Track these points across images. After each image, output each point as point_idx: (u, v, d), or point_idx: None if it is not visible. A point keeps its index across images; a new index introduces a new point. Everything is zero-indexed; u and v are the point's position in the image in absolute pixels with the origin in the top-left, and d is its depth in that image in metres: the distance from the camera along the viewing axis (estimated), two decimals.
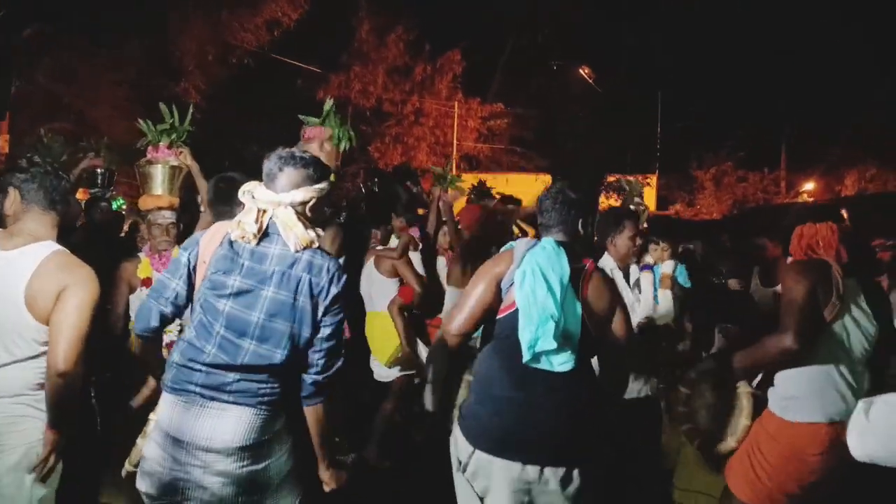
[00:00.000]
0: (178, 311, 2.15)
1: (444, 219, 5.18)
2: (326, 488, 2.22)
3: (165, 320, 2.14)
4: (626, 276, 3.65)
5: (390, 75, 18.84)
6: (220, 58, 14.98)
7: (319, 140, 3.99)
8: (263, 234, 2.07)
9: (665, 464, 3.81)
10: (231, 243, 2.07)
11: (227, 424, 2.00)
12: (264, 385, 2.04)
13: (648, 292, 3.63)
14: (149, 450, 2.09)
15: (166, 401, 2.08)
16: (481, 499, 2.29)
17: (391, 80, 18.87)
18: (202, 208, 3.52)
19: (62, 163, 4.85)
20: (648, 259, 3.79)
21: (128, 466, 2.23)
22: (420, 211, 5.70)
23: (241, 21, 14.74)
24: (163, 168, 3.50)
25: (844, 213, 2.65)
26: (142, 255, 3.36)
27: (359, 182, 10.04)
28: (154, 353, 2.34)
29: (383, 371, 4.42)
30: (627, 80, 17.97)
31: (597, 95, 20.65)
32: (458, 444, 2.31)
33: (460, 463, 2.30)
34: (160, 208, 3.40)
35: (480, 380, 2.34)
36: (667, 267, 3.76)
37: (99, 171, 5.08)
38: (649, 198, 20.57)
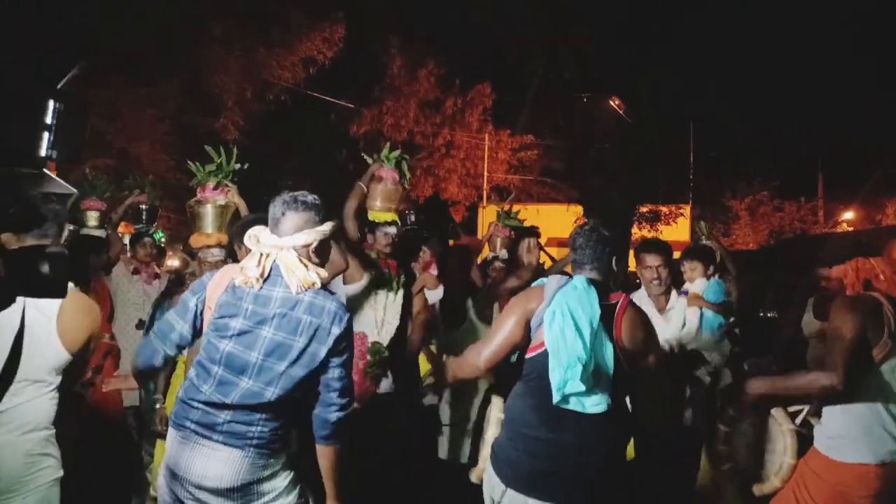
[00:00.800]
0: (180, 353, 2.25)
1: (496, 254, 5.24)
2: None
3: (167, 361, 2.24)
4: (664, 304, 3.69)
5: (422, 109, 19.13)
6: (257, 94, 15.41)
7: (391, 181, 4.10)
8: (266, 278, 2.12)
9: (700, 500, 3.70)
10: (235, 289, 2.13)
11: (216, 465, 2.04)
12: (254, 427, 2.07)
13: (677, 317, 3.60)
14: (159, 480, 2.18)
15: (169, 435, 2.16)
16: None
17: (422, 114, 19.15)
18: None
19: (106, 199, 5.03)
20: (687, 285, 3.79)
21: (151, 492, 2.30)
22: (451, 242, 5.74)
23: (278, 59, 15.19)
24: (211, 207, 3.66)
25: None
26: None
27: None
28: (146, 384, 2.42)
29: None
30: (657, 110, 17.93)
31: (627, 125, 20.63)
32: (491, 482, 2.30)
33: (493, 501, 2.29)
34: (209, 246, 3.57)
35: (512, 419, 2.33)
36: (696, 287, 3.74)
37: (143, 207, 5.25)
38: (683, 228, 20.35)
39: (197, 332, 2.21)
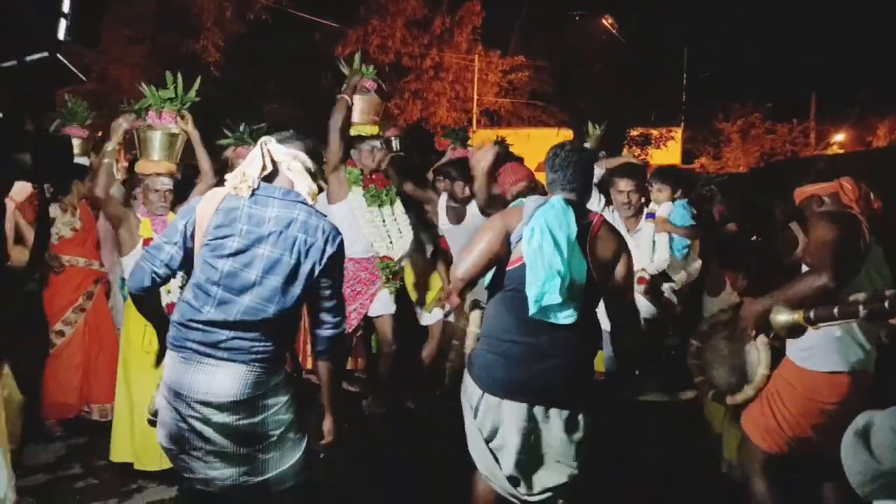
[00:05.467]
0: (171, 274, 2.25)
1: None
2: (327, 438, 2.36)
3: (157, 282, 2.23)
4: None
5: (409, 28, 18.49)
6: (237, 14, 14.81)
7: (375, 90, 4.03)
8: (258, 199, 2.16)
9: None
10: (227, 210, 2.16)
11: (221, 380, 2.10)
12: (257, 343, 2.13)
13: (646, 242, 3.68)
14: (158, 402, 2.23)
15: (168, 357, 2.20)
16: (488, 442, 2.42)
17: (410, 34, 18.53)
18: (204, 176, 3.60)
19: (88, 125, 4.86)
20: (653, 206, 3.82)
21: (147, 415, 2.36)
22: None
23: None
24: (162, 135, 3.50)
25: None
26: (139, 215, 3.50)
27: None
28: (149, 308, 2.40)
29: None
30: (652, 30, 17.45)
31: (620, 46, 20.14)
32: (469, 390, 2.45)
33: (471, 408, 2.44)
34: (158, 174, 3.47)
35: (489, 328, 2.46)
36: (663, 210, 3.79)
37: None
38: (674, 151, 20.20)
39: (187, 254, 2.23)
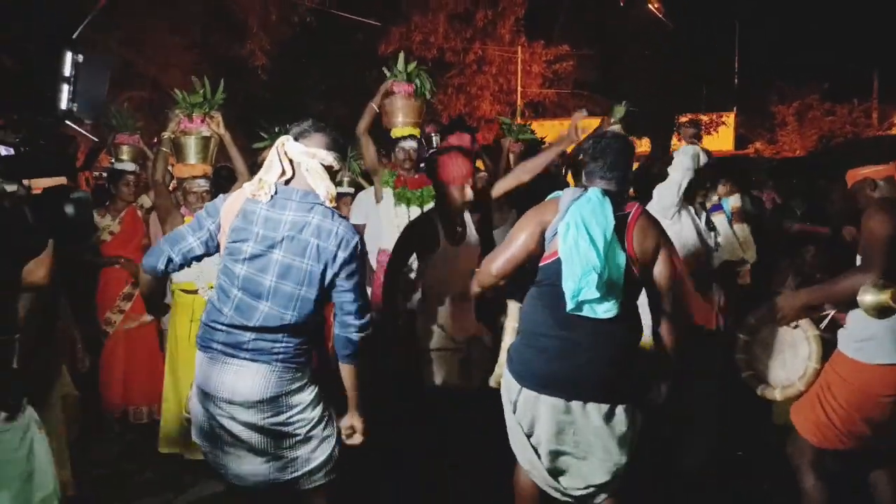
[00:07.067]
0: (185, 263, 2.29)
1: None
2: (348, 434, 2.36)
3: (170, 267, 2.27)
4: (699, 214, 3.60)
5: (451, 23, 18.43)
6: (283, 17, 15.07)
7: (403, 94, 4.05)
8: (277, 202, 2.17)
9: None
10: (245, 214, 2.18)
11: (245, 380, 2.14)
12: (279, 344, 2.16)
13: (727, 230, 3.60)
14: (191, 403, 2.29)
15: (197, 356, 2.25)
16: (529, 436, 2.40)
17: (452, 29, 18.46)
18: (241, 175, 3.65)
19: (137, 129, 5.00)
20: (714, 198, 3.71)
21: (184, 414, 2.43)
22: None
23: None
24: (196, 139, 3.63)
25: None
26: (184, 212, 3.64)
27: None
28: (154, 293, 2.47)
29: None
30: (700, 11, 16.95)
31: (666, 29, 19.61)
32: (508, 384, 2.44)
33: (511, 402, 2.43)
34: (195, 177, 3.61)
35: (526, 322, 2.44)
36: (735, 201, 3.69)
37: None
38: (725, 138, 19.58)
39: (209, 251, 2.28)
